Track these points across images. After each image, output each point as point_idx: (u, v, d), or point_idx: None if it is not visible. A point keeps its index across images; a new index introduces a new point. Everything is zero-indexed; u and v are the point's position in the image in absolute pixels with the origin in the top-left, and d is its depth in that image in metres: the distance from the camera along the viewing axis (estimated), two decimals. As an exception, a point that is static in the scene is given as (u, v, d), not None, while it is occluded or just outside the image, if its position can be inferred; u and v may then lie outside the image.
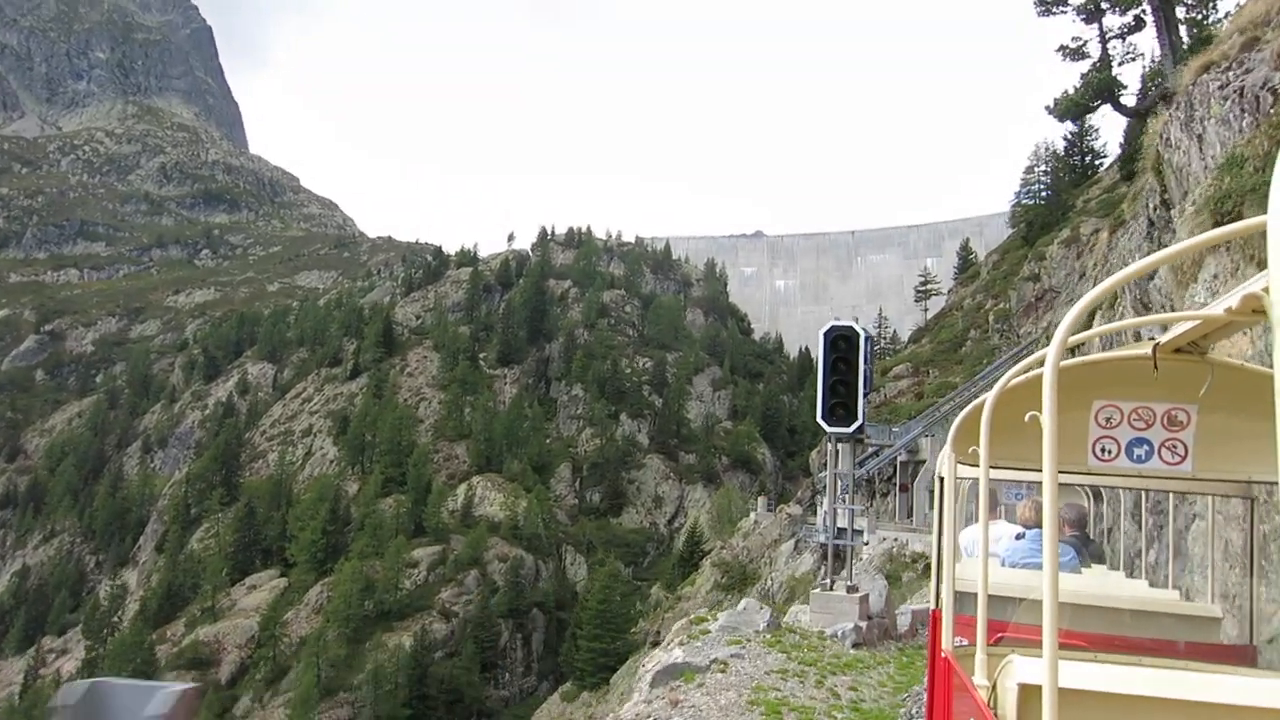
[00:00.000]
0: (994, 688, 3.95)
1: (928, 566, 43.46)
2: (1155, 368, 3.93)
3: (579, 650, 79.25)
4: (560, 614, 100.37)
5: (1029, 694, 3.48)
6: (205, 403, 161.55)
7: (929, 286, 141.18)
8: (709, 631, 15.18)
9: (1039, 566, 6.16)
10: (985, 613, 4.47)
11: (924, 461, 67.37)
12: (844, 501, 61.77)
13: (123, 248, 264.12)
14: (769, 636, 14.89)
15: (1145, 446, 4.43)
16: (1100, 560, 9.84)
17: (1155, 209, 16.50)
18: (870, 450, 72.31)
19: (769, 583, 63.96)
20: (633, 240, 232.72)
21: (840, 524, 60.81)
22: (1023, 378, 4.35)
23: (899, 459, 70.11)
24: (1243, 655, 6.09)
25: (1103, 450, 4.47)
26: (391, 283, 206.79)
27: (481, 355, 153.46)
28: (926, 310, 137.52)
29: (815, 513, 66.01)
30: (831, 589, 17.42)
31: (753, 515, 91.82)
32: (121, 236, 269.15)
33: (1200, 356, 3.97)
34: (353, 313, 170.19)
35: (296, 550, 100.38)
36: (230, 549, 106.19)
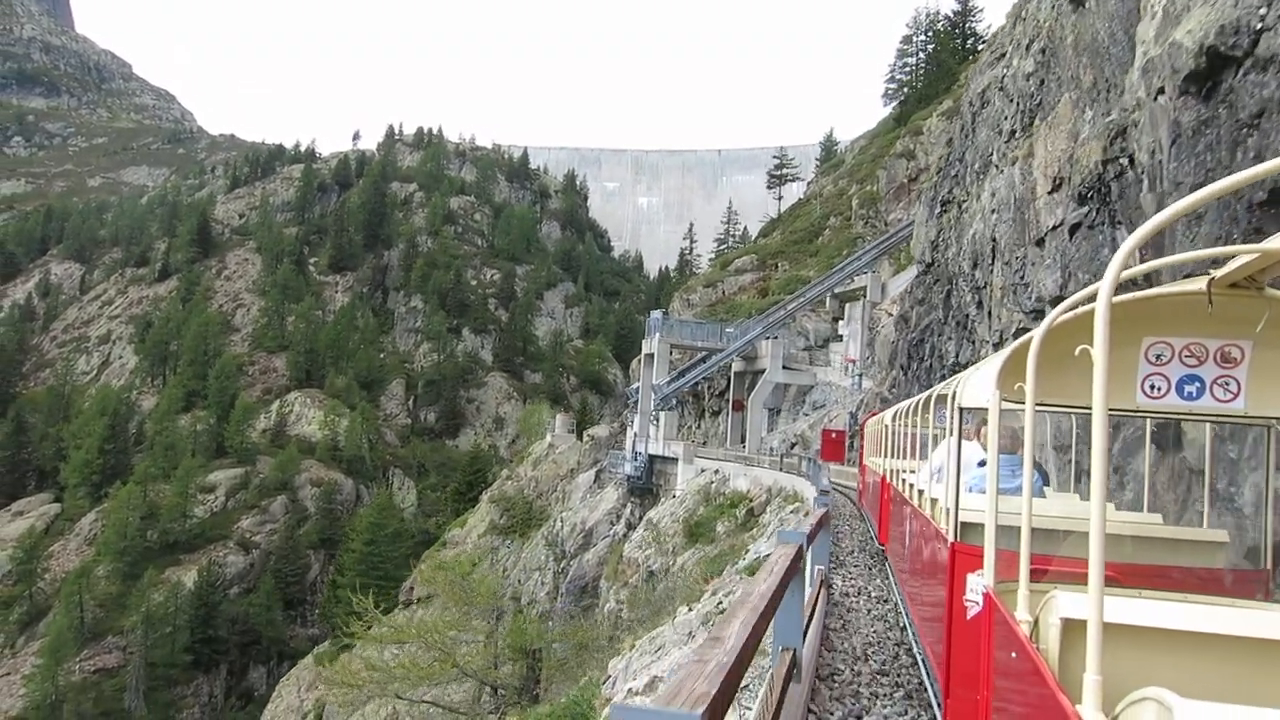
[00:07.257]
0: (1036, 623, 3.88)
1: (751, 512, 35.90)
2: (1210, 303, 3.81)
3: (338, 603, 69.97)
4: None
5: (1072, 629, 3.50)
6: (1, 305, 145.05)
7: (784, 171, 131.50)
8: None
9: (1015, 491, 5.94)
10: (994, 546, 4.49)
11: (763, 371, 56.96)
12: (654, 421, 52.03)
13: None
14: None
15: (1196, 383, 4.30)
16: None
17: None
18: (698, 356, 60.91)
19: (558, 525, 54.73)
20: (489, 145, 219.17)
21: (652, 450, 50.91)
22: (1071, 314, 4.13)
23: (733, 367, 59.15)
24: (1259, 580, 5.75)
25: (1151, 387, 4.33)
26: (224, 180, 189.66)
27: (312, 260, 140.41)
28: (780, 199, 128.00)
29: (628, 435, 57.12)
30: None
31: (549, 437, 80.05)
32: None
33: (1258, 292, 3.81)
34: (170, 209, 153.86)
35: (69, 471, 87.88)
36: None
